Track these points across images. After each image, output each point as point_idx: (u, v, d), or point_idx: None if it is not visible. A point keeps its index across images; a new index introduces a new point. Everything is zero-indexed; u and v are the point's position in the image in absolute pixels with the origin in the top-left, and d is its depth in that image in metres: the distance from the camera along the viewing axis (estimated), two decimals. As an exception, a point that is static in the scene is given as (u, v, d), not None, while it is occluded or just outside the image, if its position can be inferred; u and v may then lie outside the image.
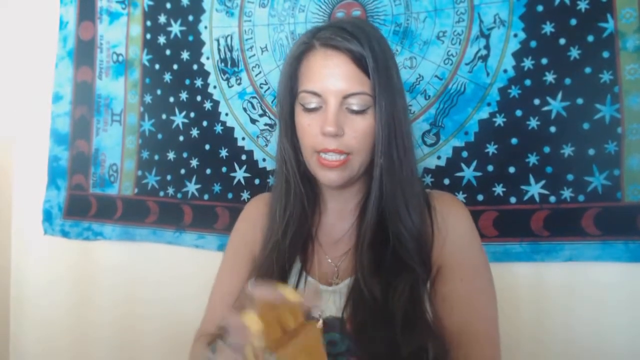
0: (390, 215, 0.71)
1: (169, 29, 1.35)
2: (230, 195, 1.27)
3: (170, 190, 1.33)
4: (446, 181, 1.09)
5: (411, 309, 0.65)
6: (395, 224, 0.70)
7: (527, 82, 1.04)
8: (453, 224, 0.72)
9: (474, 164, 1.07)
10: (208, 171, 1.30)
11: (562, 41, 1.01)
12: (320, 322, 0.68)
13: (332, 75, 0.69)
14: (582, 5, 1.00)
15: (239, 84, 1.28)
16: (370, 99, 0.69)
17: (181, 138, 1.33)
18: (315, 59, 0.71)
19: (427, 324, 0.66)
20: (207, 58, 1.31)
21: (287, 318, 0.45)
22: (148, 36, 1.38)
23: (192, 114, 1.32)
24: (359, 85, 0.68)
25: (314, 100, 0.69)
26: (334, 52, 0.69)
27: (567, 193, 1.00)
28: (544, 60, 1.03)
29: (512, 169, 1.04)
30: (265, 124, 1.26)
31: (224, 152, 1.29)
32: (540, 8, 1.03)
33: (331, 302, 0.69)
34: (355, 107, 0.69)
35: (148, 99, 1.37)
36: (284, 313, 0.46)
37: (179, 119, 1.34)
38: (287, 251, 0.74)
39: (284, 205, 0.77)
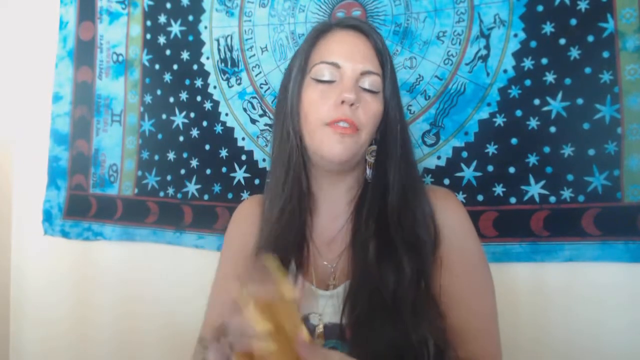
0: (408, 196, 0.72)
1: (169, 29, 1.35)
2: (230, 196, 1.27)
3: (170, 191, 1.33)
4: (446, 181, 1.09)
5: (418, 292, 0.66)
6: (411, 203, 0.72)
7: (527, 82, 1.04)
8: (449, 220, 0.72)
9: (474, 164, 1.07)
10: (208, 171, 1.30)
11: (562, 41, 1.01)
12: (321, 327, 0.67)
13: (354, 51, 0.72)
14: (582, 5, 1.00)
15: (239, 84, 1.28)
16: (381, 85, 0.73)
17: (181, 138, 1.33)
18: (335, 36, 0.74)
19: (429, 306, 0.66)
20: (207, 58, 1.31)
21: (282, 318, 0.46)
22: (148, 36, 1.38)
23: (192, 114, 1.32)
24: (375, 67, 0.72)
25: (328, 72, 0.71)
26: (356, 32, 0.74)
27: (567, 193, 1.00)
28: (544, 61, 1.03)
29: (512, 169, 1.04)
30: (266, 124, 1.26)
31: (224, 153, 1.29)
32: (540, 8, 1.03)
33: (329, 306, 0.69)
34: (367, 86, 0.71)
35: (148, 99, 1.37)
36: (280, 313, 0.46)
37: (179, 119, 1.34)
38: (281, 251, 0.73)
39: (282, 188, 0.76)
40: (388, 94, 0.74)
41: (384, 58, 0.73)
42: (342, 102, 0.68)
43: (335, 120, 0.68)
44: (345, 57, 0.71)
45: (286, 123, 0.76)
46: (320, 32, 0.75)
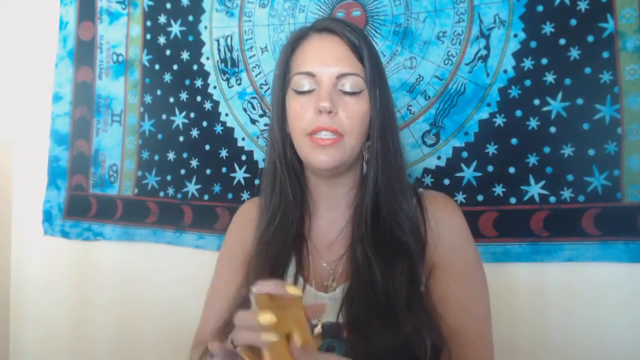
0: (387, 197, 0.71)
1: (169, 29, 1.35)
2: (230, 196, 1.27)
3: (170, 191, 1.33)
4: (446, 181, 1.09)
5: (411, 291, 0.66)
6: (392, 204, 0.71)
7: (527, 82, 1.04)
8: (446, 225, 0.72)
9: (474, 164, 1.07)
10: (208, 171, 1.30)
11: (562, 41, 1.01)
12: (319, 327, 0.68)
13: (327, 56, 0.70)
14: (582, 6, 1.00)
15: (239, 84, 1.28)
16: (364, 84, 0.71)
17: (181, 138, 1.33)
18: (309, 43, 0.73)
19: (425, 306, 0.67)
20: (207, 58, 1.31)
21: (287, 313, 0.47)
22: (148, 36, 1.38)
23: (192, 115, 1.32)
24: (353, 67, 0.70)
25: (307, 82, 0.70)
26: (329, 35, 0.72)
27: (567, 193, 1.00)
28: (544, 61, 1.03)
29: (512, 169, 1.04)
30: (266, 124, 1.26)
31: (224, 153, 1.29)
32: (540, 8, 1.03)
33: (329, 307, 0.69)
34: (348, 89, 0.70)
35: (148, 99, 1.37)
36: (285, 308, 0.47)
37: (179, 120, 1.34)
38: (279, 253, 0.73)
39: (270, 195, 0.76)
40: (370, 90, 0.71)
41: (362, 55, 0.71)
42: (320, 111, 0.68)
43: (315, 129, 0.68)
44: (319, 63, 0.70)
45: (273, 133, 0.76)
46: (296, 40, 0.74)
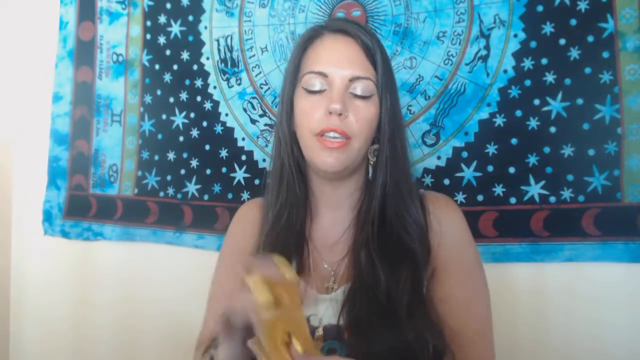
0: (395, 201, 0.71)
1: (169, 29, 1.35)
2: (230, 196, 1.27)
3: (170, 191, 1.33)
4: (446, 181, 1.09)
5: (413, 297, 0.66)
6: (399, 208, 0.71)
7: (527, 82, 1.04)
8: (447, 226, 0.73)
9: (474, 164, 1.07)
10: (208, 171, 1.30)
11: (562, 41, 1.01)
12: (321, 330, 0.68)
13: (341, 58, 0.70)
14: (582, 6, 1.00)
15: (239, 84, 1.28)
16: (374, 88, 0.71)
17: (181, 138, 1.33)
18: (323, 43, 0.73)
19: (427, 310, 0.67)
20: (207, 58, 1.31)
21: (282, 295, 0.48)
22: (148, 36, 1.38)
23: (192, 115, 1.32)
24: (365, 71, 0.70)
25: (318, 81, 0.70)
26: (343, 37, 0.72)
27: (567, 193, 1.00)
28: (544, 61, 1.03)
29: (512, 170, 1.04)
30: (266, 124, 1.26)
31: (224, 153, 1.29)
32: (540, 8, 1.03)
33: (330, 308, 0.69)
34: (359, 92, 0.70)
35: (148, 99, 1.37)
36: (279, 290, 0.48)
37: (179, 120, 1.34)
38: (281, 253, 0.73)
39: (276, 194, 0.76)
40: (381, 95, 0.72)
41: (375, 59, 0.71)
42: (330, 112, 0.68)
43: (324, 130, 0.68)
44: (333, 64, 0.69)
45: (281, 130, 0.76)
46: (309, 39, 0.74)
